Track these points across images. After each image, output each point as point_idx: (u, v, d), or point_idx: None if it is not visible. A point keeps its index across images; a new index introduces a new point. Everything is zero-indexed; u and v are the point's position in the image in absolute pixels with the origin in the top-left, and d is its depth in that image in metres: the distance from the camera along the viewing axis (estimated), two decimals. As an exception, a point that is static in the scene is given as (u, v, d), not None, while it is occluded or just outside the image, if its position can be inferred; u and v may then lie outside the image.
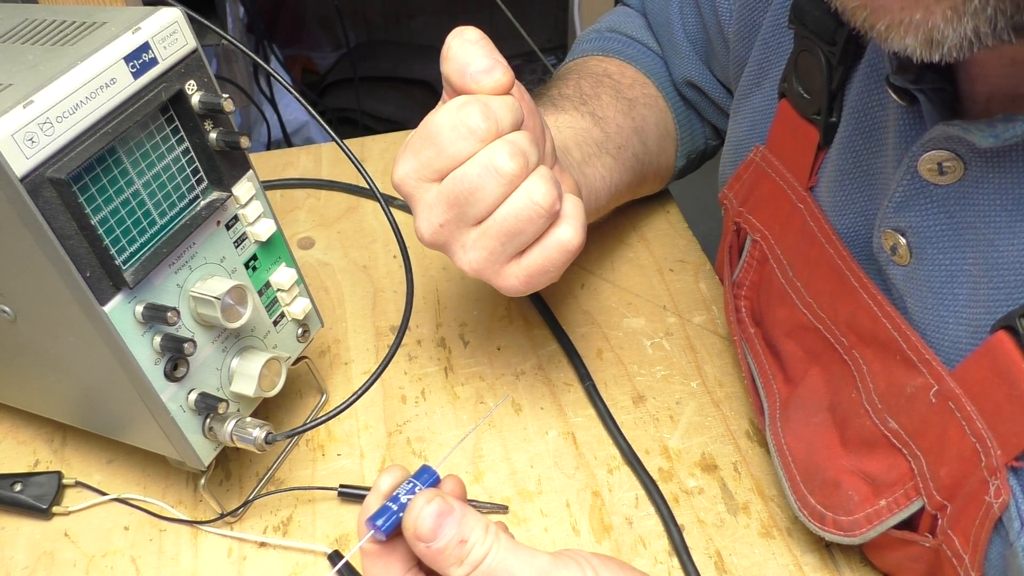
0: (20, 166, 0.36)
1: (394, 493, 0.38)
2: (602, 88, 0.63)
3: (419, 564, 0.39)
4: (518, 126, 0.43)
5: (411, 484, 0.39)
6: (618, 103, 0.63)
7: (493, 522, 0.37)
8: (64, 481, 0.55)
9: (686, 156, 0.70)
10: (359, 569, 0.45)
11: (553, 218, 0.43)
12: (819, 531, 0.47)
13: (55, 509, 0.54)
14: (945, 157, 0.39)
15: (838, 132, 0.48)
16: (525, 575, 0.35)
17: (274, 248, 0.51)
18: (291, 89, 0.50)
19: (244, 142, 0.45)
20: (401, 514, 0.37)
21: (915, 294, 0.43)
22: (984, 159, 0.38)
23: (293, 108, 1.58)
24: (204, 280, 0.46)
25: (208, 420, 0.48)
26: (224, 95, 0.44)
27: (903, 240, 0.43)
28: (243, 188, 0.48)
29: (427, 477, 0.39)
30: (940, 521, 0.42)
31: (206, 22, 0.46)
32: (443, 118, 0.42)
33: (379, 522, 0.37)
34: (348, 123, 1.78)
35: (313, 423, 0.49)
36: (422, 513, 0.36)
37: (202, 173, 0.46)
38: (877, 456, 0.45)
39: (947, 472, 0.41)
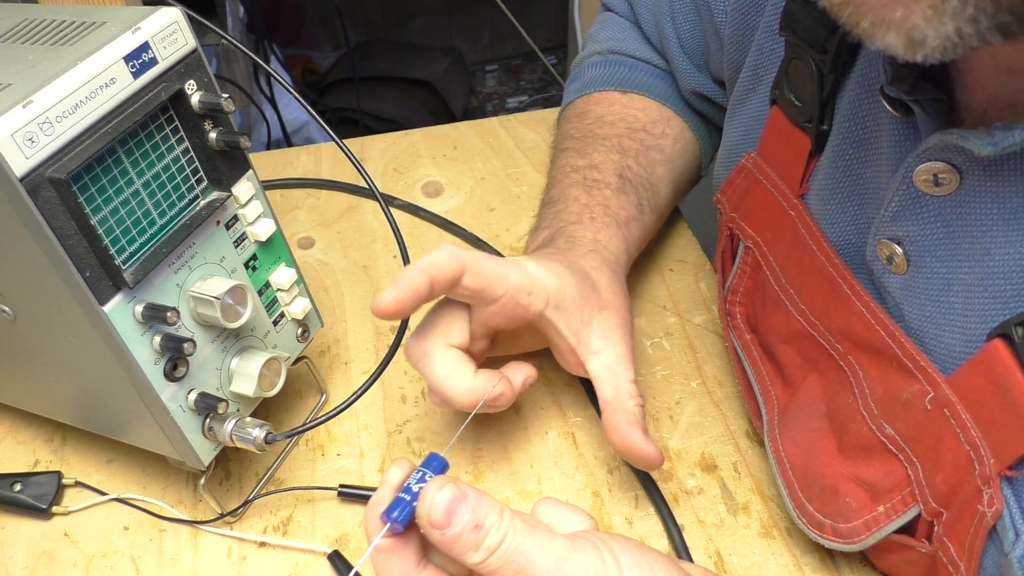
0: (20, 166, 0.36)
1: (405, 484, 0.38)
2: (655, 165, 0.65)
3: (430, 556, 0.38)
4: None
5: (421, 473, 0.38)
6: (669, 172, 0.66)
7: (505, 506, 0.36)
8: (64, 481, 0.55)
9: (708, 164, 0.71)
10: (361, 567, 0.45)
11: None
12: (818, 539, 0.47)
13: (55, 509, 0.54)
14: (941, 169, 0.39)
15: (829, 140, 0.48)
16: (542, 559, 0.35)
17: (274, 248, 0.51)
18: (291, 89, 0.50)
19: (244, 142, 0.45)
20: (415, 504, 0.36)
21: (913, 302, 0.43)
22: (981, 169, 0.38)
23: (293, 108, 1.58)
24: (204, 280, 0.46)
25: (208, 420, 0.48)
26: (224, 95, 0.44)
27: (899, 249, 0.42)
28: (243, 188, 0.48)
29: (436, 464, 0.38)
30: (936, 528, 0.42)
31: (206, 22, 0.46)
32: None
33: (394, 514, 0.37)
34: (348, 123, 1.79)
35: (313, 423, 0.49)
36: (435, 500, 0.35)
37: (202, 173, 0.46)
38: (874, 462, 0.45)
39: (942, 479, 0.41)
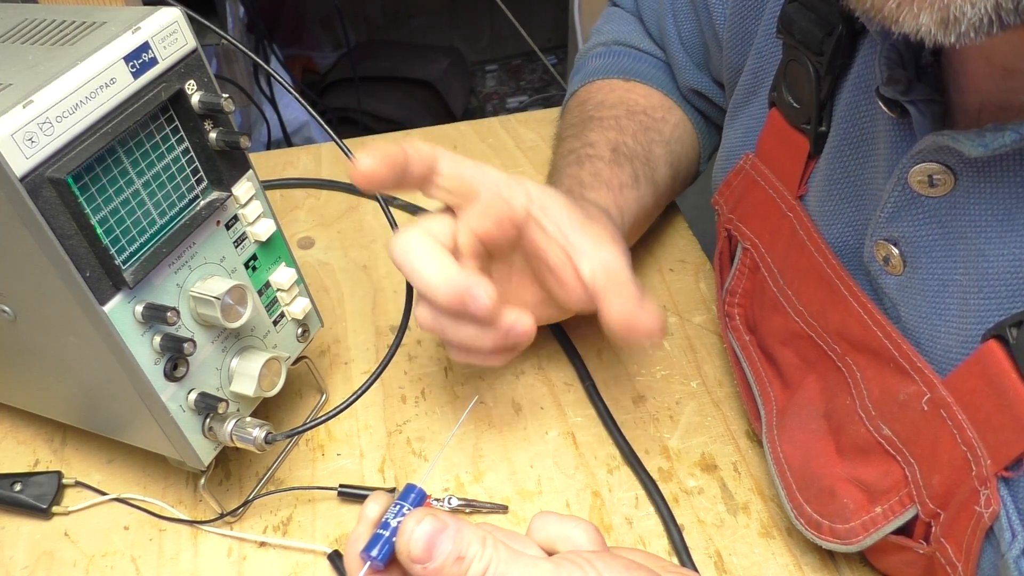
0: (20, 166, 0.36)
1: (383, 519, 0.37)
2: (652, 144, 0.64)
3: None
4: None
5: (398, 506, 0.37)
6: (667, 152, 0.65)
7: (488, 532, 0.36)
8: (64, 481, 0.55)
9: (707, 159, 0.71)
10: None
11: None
12: (816, 539, 0.47)
13: (55, 509, 0.54)
14: (935, 170, 0.39)
15: (828, 142, 0.48)
16: None
17: (274, 248, 0.51)
18: (291, 89, 0.50)
19: (244, 142, 0.45)
20: (394, 539, 0.36)
21: (909, 303, 0.43)
22: (974, 170, 0.38)
23: (293, 108, 1.58)
24: (204, 280, 0.46)
25: (208, 420, 0.48)
26: (224, 95, 0.44)
27: (896, 250, 0.43)
28: (243, 188, 0.48)
29: (414, 497, 0.38)
30: (934, 529, 0.42)
31: (206, 22, 0.46)
32: None
33: (373, 552, 0.36)
34: (348, 123, 1.79)
35: (313, 423, 0.49)
36: (414, 534, 0.34)
37: (202, 173, 0.46)
38: (871, 463, 0.45)
39: (939, 480, 0.41)
